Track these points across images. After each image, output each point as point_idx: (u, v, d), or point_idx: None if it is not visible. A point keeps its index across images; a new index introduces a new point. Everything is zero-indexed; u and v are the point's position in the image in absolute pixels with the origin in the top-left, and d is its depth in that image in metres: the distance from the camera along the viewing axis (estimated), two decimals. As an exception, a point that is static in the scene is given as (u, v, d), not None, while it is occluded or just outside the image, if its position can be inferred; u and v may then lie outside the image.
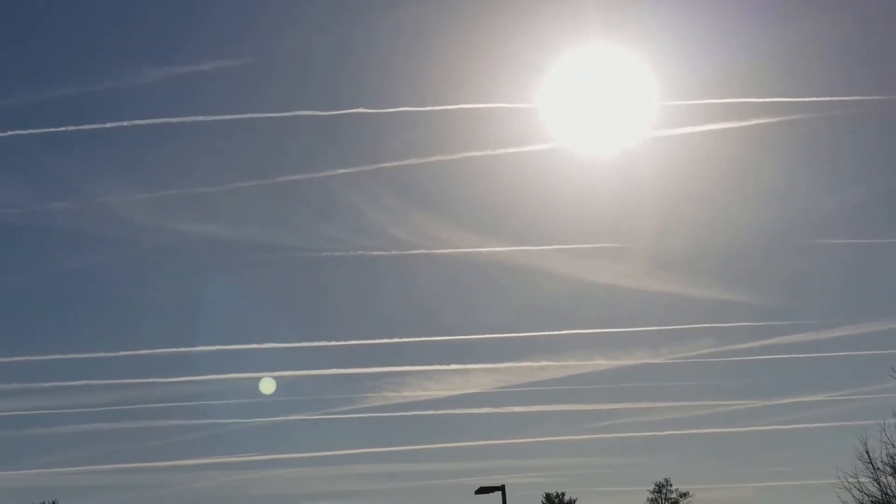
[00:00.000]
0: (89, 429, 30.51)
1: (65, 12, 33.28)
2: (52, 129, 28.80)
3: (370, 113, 27.28)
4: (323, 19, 33.36)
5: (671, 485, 30.95)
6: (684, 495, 31.57)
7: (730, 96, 29.07)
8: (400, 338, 29.47)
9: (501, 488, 14.78)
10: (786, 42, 30.69)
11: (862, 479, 20.25)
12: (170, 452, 32.81)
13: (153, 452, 32.60)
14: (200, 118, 27.91)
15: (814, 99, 28.32)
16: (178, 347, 30.50)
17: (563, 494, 31.42)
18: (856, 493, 20.39)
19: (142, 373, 33.18)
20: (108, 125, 27.86)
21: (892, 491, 20.44)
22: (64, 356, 31.59)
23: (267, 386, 25.63)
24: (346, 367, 29.01)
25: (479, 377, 32.14)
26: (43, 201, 31.93)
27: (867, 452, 20.13)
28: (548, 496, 31.39)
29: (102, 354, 31.11)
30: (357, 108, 28.53)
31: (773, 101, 27.37)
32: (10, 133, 28.21)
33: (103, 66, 33.43)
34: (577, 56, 26.99)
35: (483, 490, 14.92)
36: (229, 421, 30.93)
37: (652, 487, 31.77)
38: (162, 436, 32.03)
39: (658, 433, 30.71)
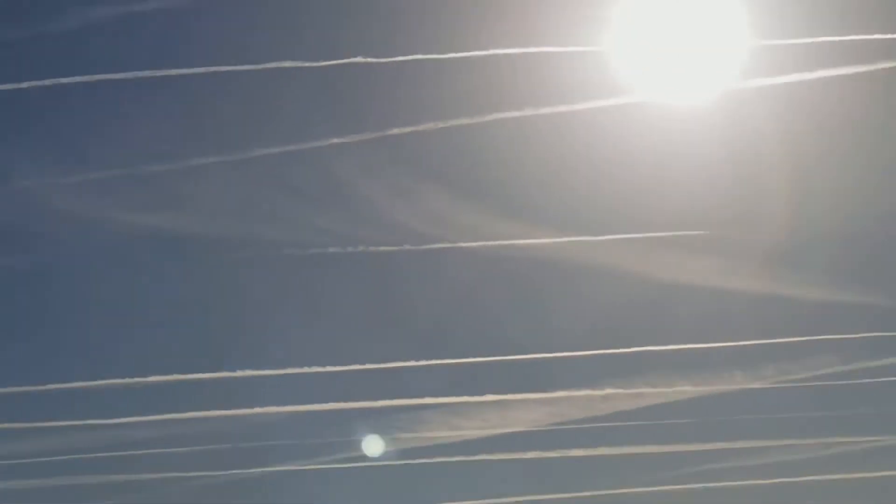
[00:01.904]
0: (35, 485, 23.36)
1: None
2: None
3: (373, 63, 19.95)
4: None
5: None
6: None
7: (850, 33, 21.94)
8: (416, 360, 21.38)
9: None
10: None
11: None
12: None
13: None
14: (146, 73, 20.58)
15: None
16: (130, 377, 23.00)
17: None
18: None
19: (80, 410, 25.84)
20: (24, 85, 20.77)
21: None
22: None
23: (373, 445, 17.96)
24: (344, 400, 20.94)
25: (524, 411, 24.09)
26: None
27: None
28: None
29: (41, 388, 23.83)
30: (355, 56, 21.16)
31: None
32: None
33: (11, 6, 26.22)
34: None
35: None
36: (207, 475, 23.55)
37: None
38: (121, 491, 24.75)
39: (762, 481, 23.15)
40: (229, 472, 19.38)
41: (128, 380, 17.59)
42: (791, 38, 17.04)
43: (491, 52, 16.67)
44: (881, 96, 18.84)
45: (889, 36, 17.02)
